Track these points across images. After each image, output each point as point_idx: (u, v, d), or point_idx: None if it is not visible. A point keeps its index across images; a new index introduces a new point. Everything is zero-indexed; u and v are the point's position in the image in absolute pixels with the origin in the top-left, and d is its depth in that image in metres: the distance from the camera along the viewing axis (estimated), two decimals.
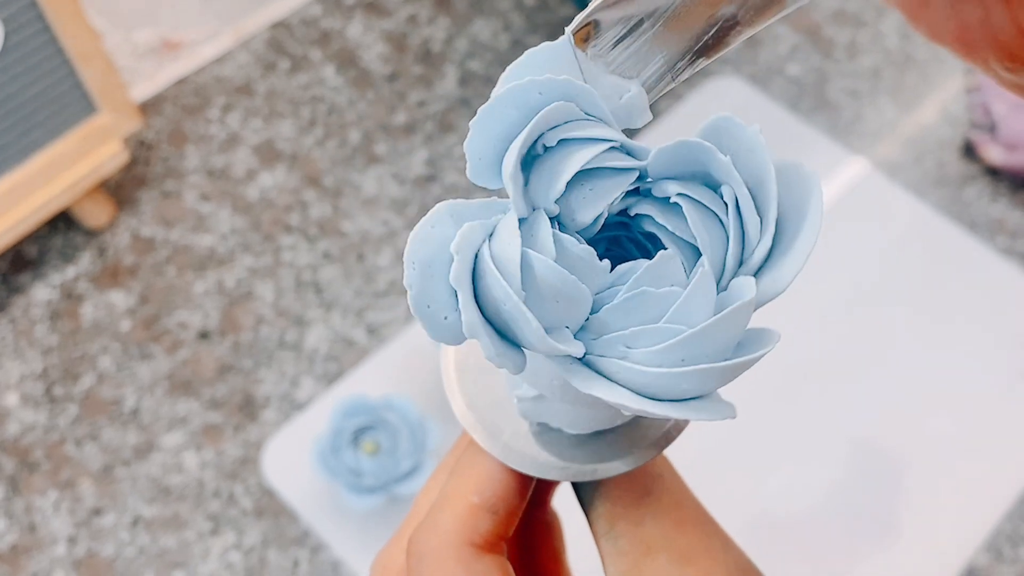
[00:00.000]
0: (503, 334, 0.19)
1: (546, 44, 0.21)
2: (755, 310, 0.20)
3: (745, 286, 0.19)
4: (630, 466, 0.24)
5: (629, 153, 0.20)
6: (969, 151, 0.88)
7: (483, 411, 0.25)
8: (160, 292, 0.79)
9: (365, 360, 0.76)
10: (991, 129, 0.86)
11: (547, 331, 0.19)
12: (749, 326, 0.20)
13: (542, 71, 0.20)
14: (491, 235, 0.19)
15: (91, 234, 0.81)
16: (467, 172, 0.19)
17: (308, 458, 0.70)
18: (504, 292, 0.18)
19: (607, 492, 0.24)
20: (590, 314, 0.20)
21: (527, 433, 0.25)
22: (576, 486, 0.26)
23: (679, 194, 0.20)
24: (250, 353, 0.76)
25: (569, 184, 0.20)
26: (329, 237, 0.81)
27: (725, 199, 0.20)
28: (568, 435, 0.25)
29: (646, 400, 0.19)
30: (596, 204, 0.20)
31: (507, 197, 0.20)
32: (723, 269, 0.20)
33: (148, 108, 0.88)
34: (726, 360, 0.19)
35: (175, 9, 0.87)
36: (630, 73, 0.22)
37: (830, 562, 0.70)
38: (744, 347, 0.20)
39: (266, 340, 0.77)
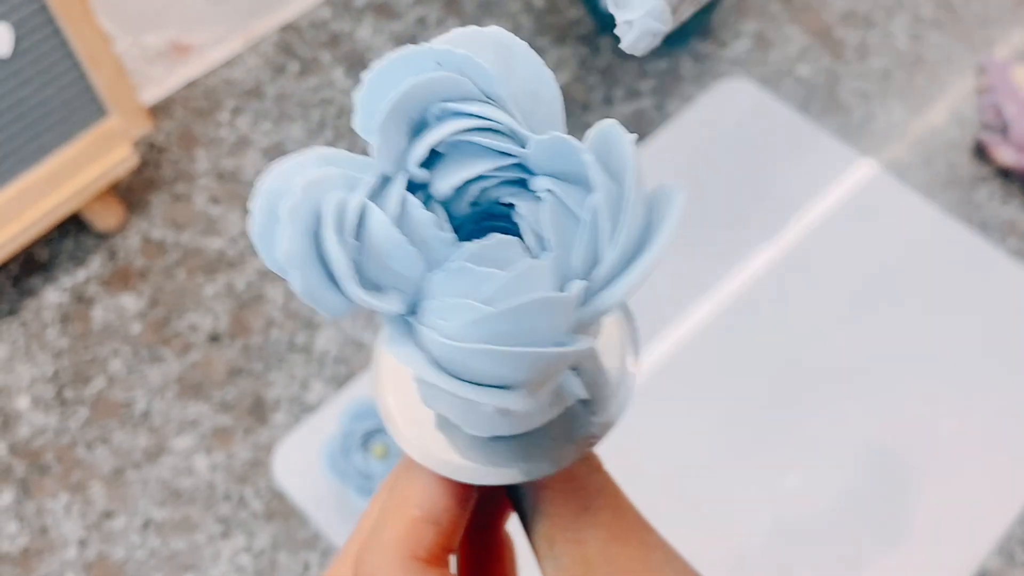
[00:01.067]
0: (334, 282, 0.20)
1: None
2: (591, 319, 0.20)
3: (573, 287, 0.19)
4: (550, 469, 0.24)
5: (513, 138, 0.20)
6: (980, 152, 0.87)
7: (407, 417, 0.25)
8: (170, 295, 0.79)
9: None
10: (1002, 130, 0.86)
11: (378, 289, 0.19)
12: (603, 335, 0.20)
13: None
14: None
15: (101, 237, 0.82)
16: (354, 123, 0.20)
17: (318, 461, 0.70)
18: (332, 244, 0.18)
19: (546, 510, 0.24)
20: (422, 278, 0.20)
21: (447, 438, 0.25)
22: (517, 507, 0.26)
23: (547, 190, 0.20)
24: (260, 356, 0.76)
25: (441, 155, 0.20)
26: None
27: (591, 203, 0.20)
28: (489, 439, 0.25)
29: (441, 373, 0.19)
30: (454, 175, 0.20)
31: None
32: (568, 269, 0.20)
33: (158, 111, 0.88)
34: (523, 347, 0.19)
35: (184, 12, 0.87)
36: None
37: (839, 565, 0.70)
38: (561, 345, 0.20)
39: (276, 343, 0.77)
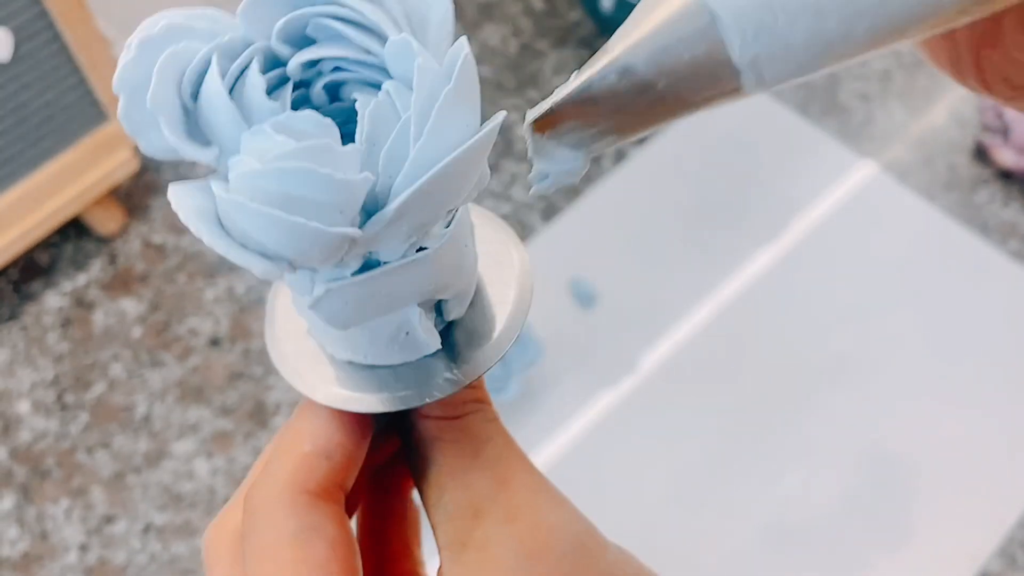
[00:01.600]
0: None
1: None
2: (379, 225, 0.20)
3: (358, 175, 0.20)
4: (417, 401, 0.24)
5: (380, 37, 0.21)
6: (980, 154, 0.87)
7: (295, 353, 0.26)
8: (171, 299, 0.79)
9: None
10: (1003, 132, 0.86)
11: (204, 142, 0.20)
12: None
13: None
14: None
15: (102, 241, 0.82)
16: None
17: None
18: (161, 72, 0.19)
19: (435, 458, 0.24)
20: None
21: (333, 372, 0.25)
22: (410, 459, 0.26)
23: (386, 90, 0.20)
24: (260, 360, 0.76)
25: (311, 41, 0.21)
26: None
27: (407, 105, 0.20)
28: (372, 372, 0.25)
29: (211, 226, 0.19)
30: (306, 53, 0.21)
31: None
32: (374, 168, 0.20)
33: None
34: (283, 213, 0.19)
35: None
36: (574, 144, 0.23)
37: (840, 567, 0.70)
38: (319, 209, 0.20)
39: None
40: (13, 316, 0.78)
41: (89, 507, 0.71)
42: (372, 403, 0.25)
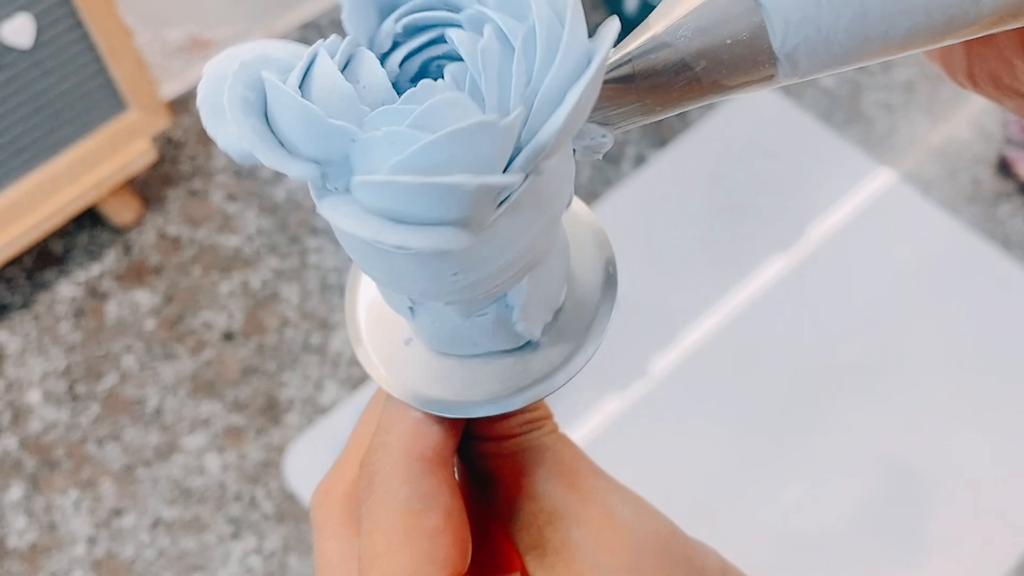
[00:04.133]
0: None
1: None
2: (533, 155, 0.19)
3: (506, 115, 0.18)
4: (524, 401, 0.24)
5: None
6: (1004, 168, 0.86)
7: (382, 352, 0.26)
8: (185, 292, 0.78)
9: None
10: None
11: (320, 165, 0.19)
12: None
13: None
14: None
15: (117, 232, 0.81)
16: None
17: (331, 463, 0.69)
18: (275, 89, 0.18)
19: (498, 473, 0.25)
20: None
21: (421, 371, 0.25)
22: (471, 474, 0.26)
23: (488, 20, 0.19)
24: (274, 355, 0.76)
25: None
26: None
27: (527, 32, 0.19)
28: (464, 373, 0.25)
29: (371, 219, 0.18)
30: (404, 49, 0.20)
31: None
32: (506, 105, 0.19)
33: (176, 106, 0.88)
34: (457, 175, 0.17)
35: (205, 8, 0.87)
36: (602, 120, 0.22)
37: None
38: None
39: (291, 342, 0.76)
40: (26, 305, 0.78)
41: (98, 499, 0.70)
42: (461, 407, 0.24)
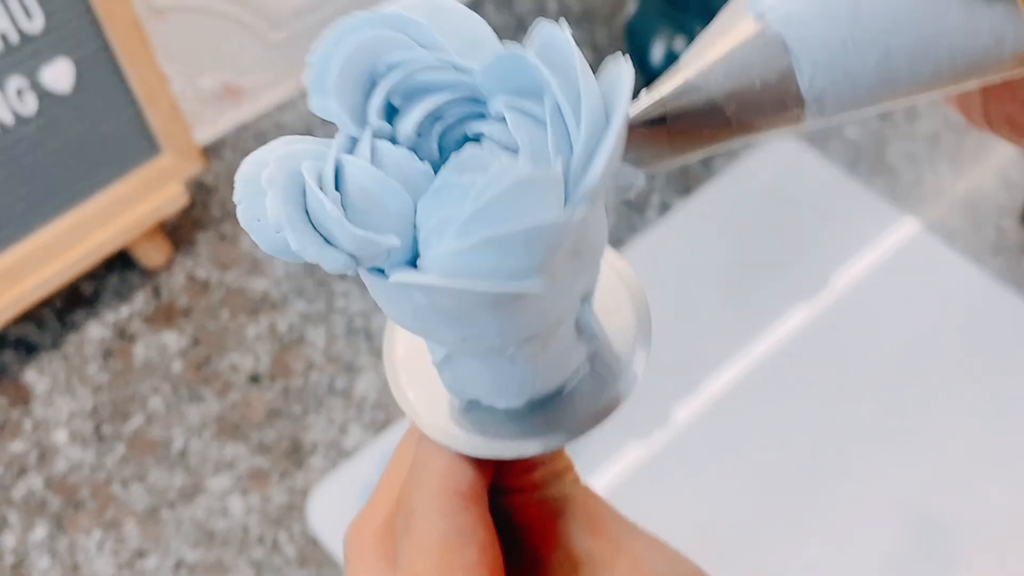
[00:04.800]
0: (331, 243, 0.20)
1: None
2: (583, 198, 0.20)
3: (518, 169, 0.19)
4: (563, 440, 0.25)
5: (459, 70, 0.21)
6: None
7: (417, 390, 0.26)
8: (213, 334, 0.79)
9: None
10: None
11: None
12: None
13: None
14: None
15: (147, 274, 0.82)
16: (310, 105, 0.20)
17: (354, 508, 0.69)
18: (313, 195, 0.19)
19: (521, 524, 0.25)
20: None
21: (456, 413, 0.26)
22: (497, 527, 0.26)
23: (507, 107, 0.20)
24: (299, 398, 0.76)
25: (397, 109, 0.21)
26: None
27: (548, 104, 0.20)
28: (498, 415, 0.25)
29: (449, 280, 0.19)
30: (413, 113, 0.21)
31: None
32: (549, 164, 0.20)
33: (208, 152, 0.89)
34: (511, 229, 0.18)
35: (239, 56, 0.89)
36: (634, 160, 0.23)
37: None
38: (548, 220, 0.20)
39: (316, 386, 0.76)
40: (55, 345, 0.78)
41: (121, 540, 0.70)
42: (487, 448, 0.25)
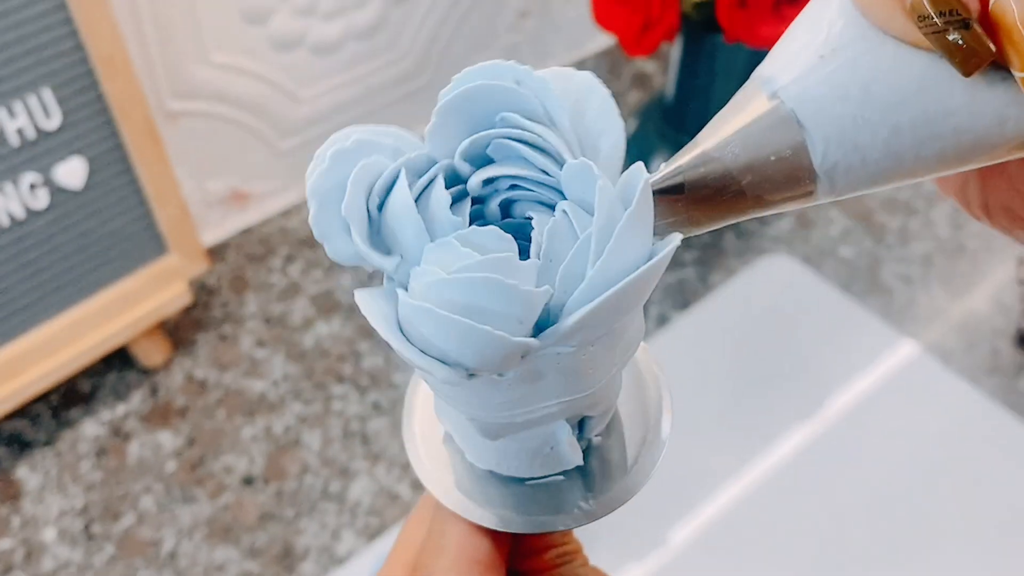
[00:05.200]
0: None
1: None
2: (553, 337, 0.21)
3: (537, 287, 0.21)
4: (558, 526, 0.25)
5: (558, 161, 0.22)
6: (1023, 341, 0.87)
7: (436, 463, 0.27)
8: (208, 435, 0.78)
9: (408, 516, 0.74)
10: None
11: (386, 251, 0.22)
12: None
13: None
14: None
15: (145, 373, 0.82)
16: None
17: None
18: (352, 186, 0.21)
19: None
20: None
21: (472, 486, 0.26)
22: None
23: (563, 210, 0.22)
24: (293, 502, 0.75)
25: (491, 160, 0.23)
26: (380, 388, 0.81)
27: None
28: (515, 491, 0.26)
29: (395, 332, 0.21)
30: (488, 170, 0.23)
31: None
32: (552, 282, 0.21)
33: (212, 255, 0.90)
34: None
35: (248, 164, 0.91)
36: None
37: None
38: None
39: (310, 489, 0.76)
40: (49, 442, 0.78)
41: None
42: (503, 522, 0.25)
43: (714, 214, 0.22)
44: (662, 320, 0.87)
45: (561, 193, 0.22)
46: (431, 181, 0.22)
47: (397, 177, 0.21)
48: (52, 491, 0.75)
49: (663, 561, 0.73)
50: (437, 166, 0.22)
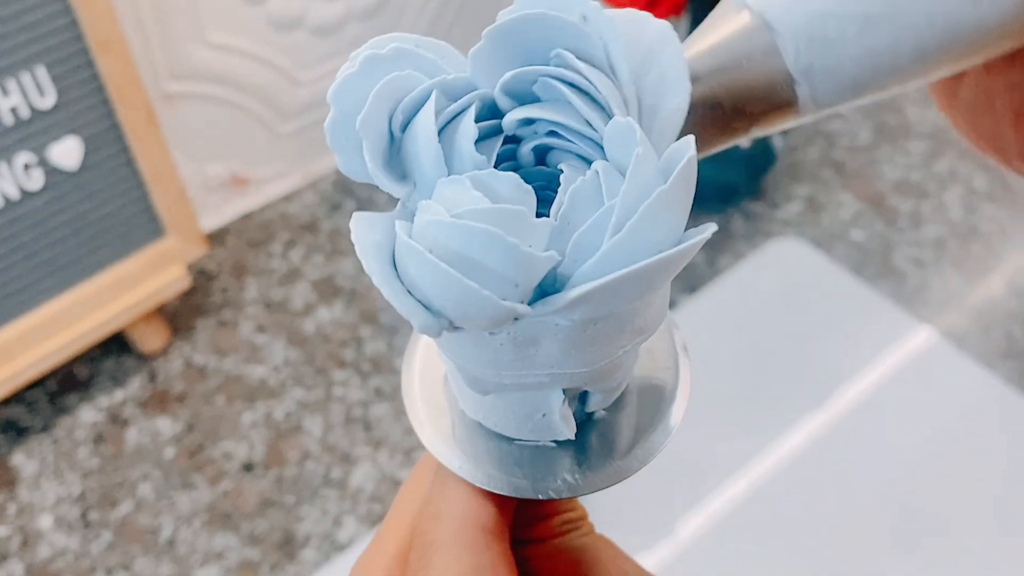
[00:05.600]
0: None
1: None
2: (551, 307, 0.19)
3: (543, 252, 0.19)
4: (538, 494, 0.24)
5: (606, 113, 0.20)
6: None
7: (437, 424, 0.25)
8: (207, 421, 0.77)
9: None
10: None
11: (401, 175, 0.20)
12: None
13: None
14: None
15: (143, 359, 0.81)
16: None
17: None
18: (373, 103, 0.19)
19: (541, 571, 0.24)
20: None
21: (477, 448, 0.25)
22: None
23: (596, 171, 0.19)
24: (294, 488, 0.74)
25: (535, 97, 0.21)
26: (382, 374, 0.80)
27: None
28: (497, 444, 0.25)
29: (384, 265, 0.19)
30: (524, 110, 0.20)
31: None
32: (563, 247, 0.19)
33: (212, 240, 0.89)
34: (456, 272, 0.18)
35: (248, 147, 0.89)
36: None
37: None
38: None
39: (311, 476, 0.74)
40: (45, 428, 0.76)
41: None
42: (487, 479, 0.23)
43: (702, 134, 0.21)
44: (669, 304, 0.85)
45: (603, 150, 0.20)
46: (463, 109, 0.20)
47: (427, 97, 0.19)
48: (49, 478, 0.74)
49: (672, 551, 0.72)
50: (474, 94, 0.20)
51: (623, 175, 0.19)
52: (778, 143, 0.90)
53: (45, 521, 0.71)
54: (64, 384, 0.79)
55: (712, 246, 0.90)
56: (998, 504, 0.74)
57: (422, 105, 0.19)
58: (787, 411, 0.79)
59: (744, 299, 0.87)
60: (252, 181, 0.92)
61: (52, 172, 0.68)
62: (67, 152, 0.68)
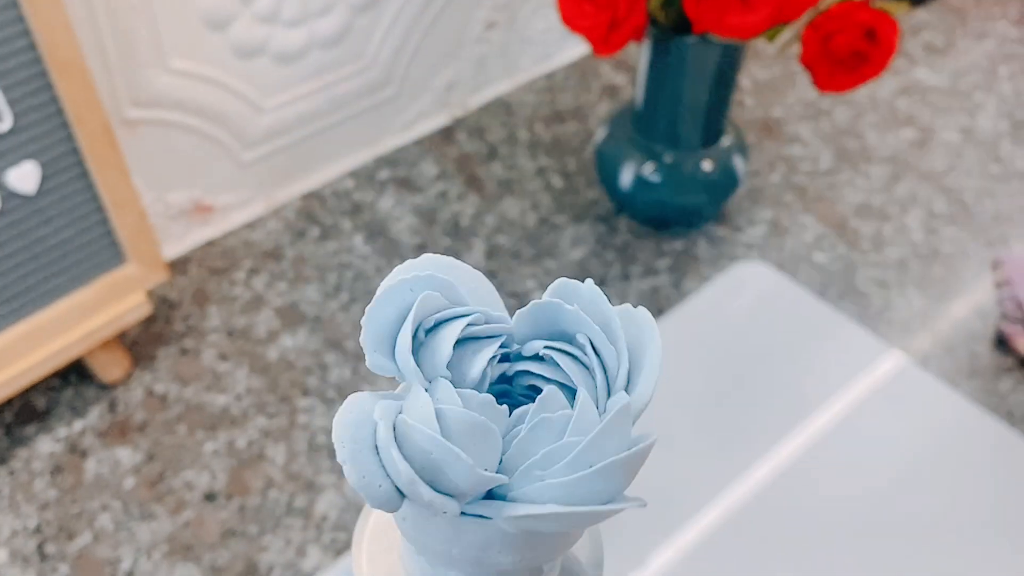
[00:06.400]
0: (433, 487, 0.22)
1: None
2: (632, 420, 0.23)
3: (619, 399, 0.22)
4: None
5: (498, 322, 0.24)
6: (1002, 343, 0.86)
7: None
8: (168, 450, 0.76)
9: None
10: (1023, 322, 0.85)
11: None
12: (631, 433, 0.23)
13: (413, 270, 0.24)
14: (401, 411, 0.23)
15: (103, 388, 0.79)
16: (367, 363, 0.23)
17: None
18: (430, 439, 0.20)
19: None
20: (502, 455, 0.22)
21: None
22: None
23: (546, 347, 0.23)
24: (256, 518, 0.72)
25: (453, 351, 0.23)
26: None
27: (580, 342, 0.23)
28: None
29: (570, 507, 0.21)
30: (478, 361, 0.23)
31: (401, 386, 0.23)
32: (596, 396, 0.23)
33: (174, 268, 0.88)
34: (623, 453, 0.21)
35: (210, 175, 0.89)
36: None
37: None
38: (635, 445, 0.22)
39: (274, 505, 0.73)
40: (2, 460, 0.75)
41: None
42: None
43: None
44: None
45: (509, 346, 0.25)
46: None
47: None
48: (4, 511, 0.72)
49: None
50: (442, 383, 0.23)
51: (553, 336, 0.24)
52: (740, 168, 0.91)
53: (0, 555, 0.70)
54: (21, 415, 0.77)
55: (678, 270, 0.90)
56: (965, 520, 0.74)
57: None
58: (755, 432, 0.79)
59: (711, 320, 0.87)
60: (215, 208, 0.91)
61: (9, 197, 0.67)
62: (24, 177, 0.67)
